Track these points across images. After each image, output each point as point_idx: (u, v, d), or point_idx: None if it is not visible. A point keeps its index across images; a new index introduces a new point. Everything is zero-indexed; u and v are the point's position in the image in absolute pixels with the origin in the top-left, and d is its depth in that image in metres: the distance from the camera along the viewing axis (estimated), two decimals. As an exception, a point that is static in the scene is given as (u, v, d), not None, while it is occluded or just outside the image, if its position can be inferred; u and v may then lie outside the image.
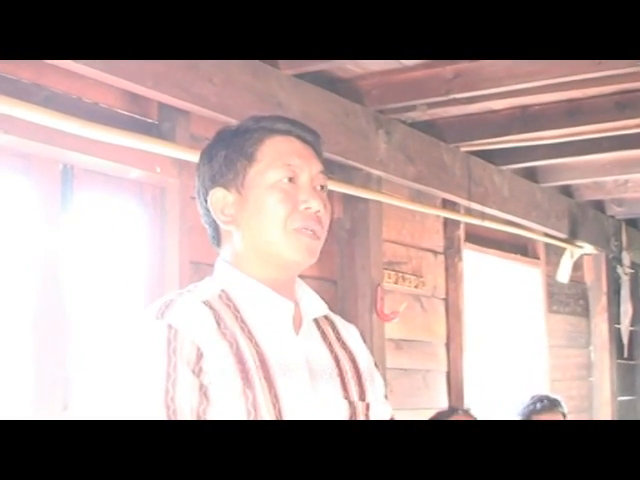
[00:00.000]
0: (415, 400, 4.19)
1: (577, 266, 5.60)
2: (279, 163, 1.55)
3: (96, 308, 2.78)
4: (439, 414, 3.62)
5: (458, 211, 4.49)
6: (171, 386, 1.39)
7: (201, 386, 1.41)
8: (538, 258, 5.44)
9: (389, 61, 3.35)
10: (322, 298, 1.63)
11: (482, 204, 4.42)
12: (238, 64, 2.97)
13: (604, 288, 5.99)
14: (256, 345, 1.48)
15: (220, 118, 2.87)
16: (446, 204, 4.45)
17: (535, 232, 5.11)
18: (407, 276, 4.21)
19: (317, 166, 1.58)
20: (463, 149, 4.27)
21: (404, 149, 3.88)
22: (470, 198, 4.30)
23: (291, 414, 1.45)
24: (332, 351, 1.60)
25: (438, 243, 4.53)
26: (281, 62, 3.16)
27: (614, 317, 6.02)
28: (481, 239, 4.81)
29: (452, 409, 3.78)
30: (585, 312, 5.99)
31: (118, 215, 2.89)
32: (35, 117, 2.43)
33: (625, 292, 6.01)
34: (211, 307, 1.49)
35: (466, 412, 3.64)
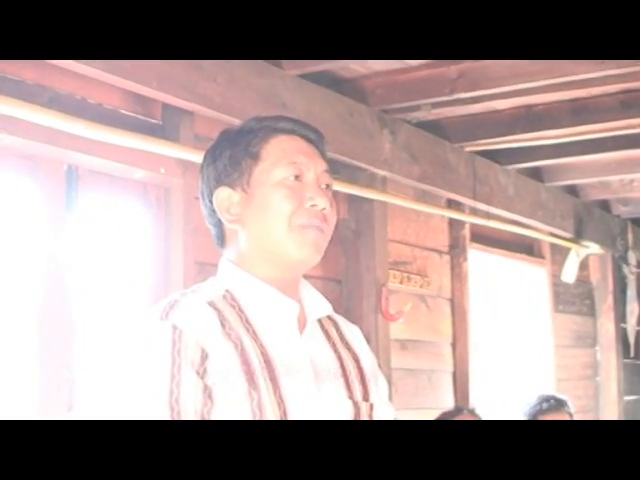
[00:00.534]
0: (420, 400, 4.18)
1: (583, 266, 5.59)
2: (285, 161, 1.55)
3: (101, 309, 2.78)
4: (444, 414, 3.61)
5: (463, 211, 4.49)
6: (175, 387, 1.38)
7: (205, 387, 1.40)
8: (544, 258, 5.43)
9: (393, 61, 3.34)
10: (327, 298, 1.63)
11: (487, 204, 4.41)
12: (242, 64, 2.97)
13: (610, 287, 5.98)
14: (261, 346, 1.47)
15: (224, 118, 2.87)
16: (451, 204, 4.45)
17: (541, 232, 5.10)
18: (412, 276, 4.20)
19: (322, 165, 1.58)
20: (468, 149, 4.27)
21: (409, 149, 3.88)
22: (475, 198, 4.29)
23: (296, 415, 1.44)
24: (336, 351, 1.59)
25: (443, 243, 4.53)
26: (285, 62, 3.15)
27: (620, 316, 6.01)
28: (486, 239, 4.80)
29: (458, 409, 3.78)
30: (591, 312, 5.99)
31: (123, 216, 2.89)
32: (39, 118, 2.43)
33: (631, 291, 6.01)
34: (216, 308, 1.48)
35: (472, 412, 3.64)
